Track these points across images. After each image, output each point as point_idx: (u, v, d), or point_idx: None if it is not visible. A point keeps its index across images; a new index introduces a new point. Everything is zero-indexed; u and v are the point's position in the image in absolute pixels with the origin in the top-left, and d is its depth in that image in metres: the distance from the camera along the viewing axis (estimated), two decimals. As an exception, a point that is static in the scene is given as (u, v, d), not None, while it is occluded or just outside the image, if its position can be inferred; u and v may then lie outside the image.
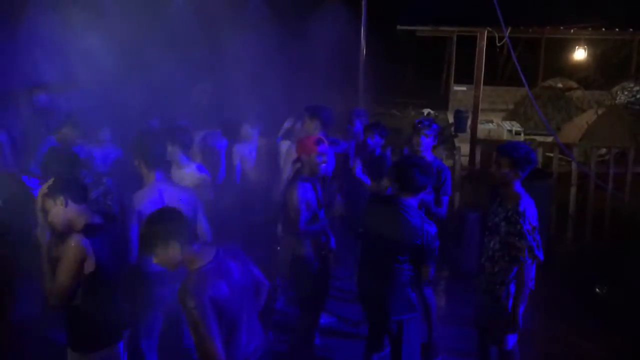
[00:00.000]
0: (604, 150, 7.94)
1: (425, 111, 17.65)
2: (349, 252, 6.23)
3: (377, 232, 3.76)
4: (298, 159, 4.38)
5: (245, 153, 5.64)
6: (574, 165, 7.21)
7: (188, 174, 4.47)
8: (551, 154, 7.53)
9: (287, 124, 5.87)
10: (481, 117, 10.96)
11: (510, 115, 16.41)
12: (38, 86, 5.97)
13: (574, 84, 16.73)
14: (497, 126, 14.52)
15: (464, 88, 18.70)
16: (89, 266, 3.06)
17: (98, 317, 3.21)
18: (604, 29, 11.45)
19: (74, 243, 3.02)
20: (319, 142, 4.21)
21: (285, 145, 5.56)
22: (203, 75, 7.61)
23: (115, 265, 3.24)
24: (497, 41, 9.71)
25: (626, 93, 12.97)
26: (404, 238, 3.63)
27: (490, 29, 9.41)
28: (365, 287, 3.94)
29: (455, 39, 18.33)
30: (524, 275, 3.77)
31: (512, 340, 4.04)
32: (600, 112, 11.78)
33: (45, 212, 3.19)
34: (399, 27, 12.63)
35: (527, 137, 12.81)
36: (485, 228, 4.13)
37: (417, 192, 3.72)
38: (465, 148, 9.12)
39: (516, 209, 3.74)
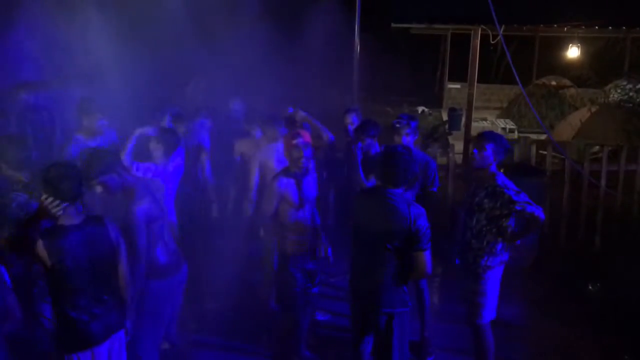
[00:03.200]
0: (597, 148, 7.95)
1: (420, 109, 17.64)
2: (342, 249, 6.24)
3: (367, 224, 3.80)
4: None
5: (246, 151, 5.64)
6: (567, 163, 7.23)
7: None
8: (544, 152, 7.55)
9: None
10: (475, 115, 10.99)
11: (504, 113, 16.45)
12: (20, 85, 5.91)
13: (567, 82, 16.77)
14: (491, 124, 14.55)
15: (458, 86, 18.72)
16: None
17: (61, 319, 3.22)
18: (597, 27, 11.46)
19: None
20: (295, 136, 4.30)
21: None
22: (197, 71, 7.59)
23: (82, 268, 3.19)
24: (491, 39, 9.73)
25: (619, 91, 12.99)
26: (392, 224, 3.66)
27: (484, 27, 9.44)
28: (358, 280, 3.94)
29: (449, 36, 18.33)
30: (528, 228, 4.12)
31: (487, 315, 4.20)
32: (593, 110, 11.81)
33: None
34: (393, 24, 12.62)
35: (521, 135, 12.83)
36: (465, 212, 4.38)
37: (402, 185, 3.76)
38: (459, 146, 9.16)
39: (495, 183, 4.10)
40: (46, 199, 3.06)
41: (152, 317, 3.88)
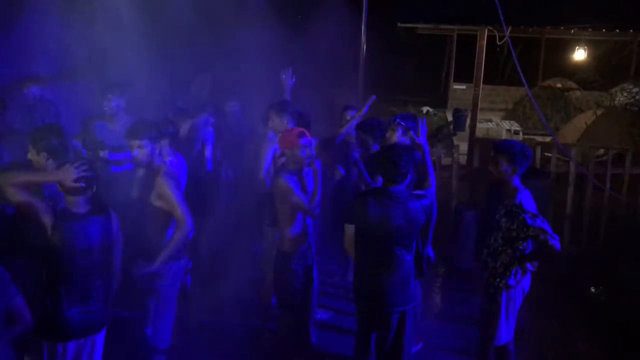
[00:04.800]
0: (602, 151, 7.94)
1: (424, 109, 17.63)
2: (341, 248, 6.24)
3: (376, 227, 3.73)
4: (282, 154, 4.37)
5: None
6: (572, 166, 7.21)
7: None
8: (549, 154, 7.54)
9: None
10: (480, 116, 10.99)
11: (509, 115, 16.42)
12: (29, 78, 5.92)
13: (573, 85, 16.72)
14: (496, 125, 14.52)
15: (463, 87, 18.69)
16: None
17: (43, 306, 3.24)
18: (604, 30, 11.45)
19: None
20: (301, 135, 4.18)
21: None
22: (202, 68, 7.60)
23: (78, 255, 3.22)
24: (497, 40, 9.71)
25: (625, 94, 12.98)
26: (408, 223, 3.67)
27: (490, 28, 9.42)
28: (367, 282, 3.89)
29: (455, 37, 18.31)
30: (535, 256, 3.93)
31: (504, 336, 4.08)
32: (599, 112, 11.78)
33: None
34: (399, 24, 12.63)
35: (526, 136, 12.82)
36: (484, 226, 4.19)
37: (403, 182, 3.75)
38: (463, 146, 9.15)
39: (513, 202, 3.88)
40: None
41: (169, 297, 4.04)
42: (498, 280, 3.97)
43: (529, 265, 3.95)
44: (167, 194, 3.80)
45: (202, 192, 5.48)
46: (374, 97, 5.57)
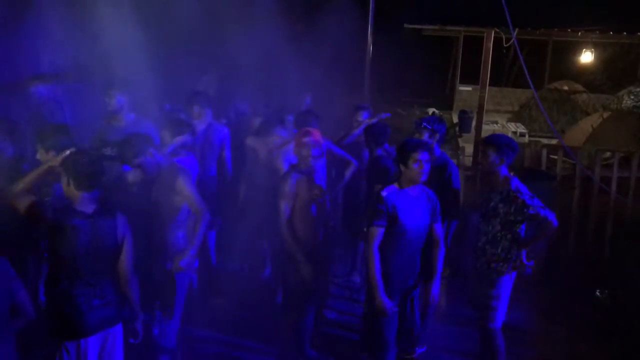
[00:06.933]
0: (608, 154, 7.91)
1: (430, 110, 17.61)
2: (347, 249, 6.25)
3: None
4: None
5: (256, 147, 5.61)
6: (577, 169, 7.19)
7: None
8: (555, 157, 7.52)
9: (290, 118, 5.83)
10: (486, 118, 10.95)
11: (515, 117, 16.39)
12: (35, 77, 5.93)
13: (580, 87, 16.68)
14: (502, 127, 14.50)
15: (469, 88, 18.66)
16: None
17: (56, 306, 3.25)
18: (611, 33, 11.43)
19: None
20: (307, 133, 4.32)
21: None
22: (209, 68, 7.61)
23: (83, 255, 3.21)
24: (504, 42, 9.70)
25: (632, 97, 12.93)
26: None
27: (497, 30, 9.40)
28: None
29: (462, 39, 18.30)
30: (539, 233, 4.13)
31: (498, 318, 4.23)
32: (605, 115, 11.74)
33: None
34: (405, 25, 12.65)
35: (532, 139, 12.78)
36: (480, 217, 4.35)
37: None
38: (469, 148, 9.13)
39: (509, 188, 4.09)
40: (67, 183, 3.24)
41: (179, 299, 4.08)
42: (501, 264, 4.16)
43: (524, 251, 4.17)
44: (183, 188, 3.90)
45: (221, 194, 5.51)
46: (388, 114, 5.70)
